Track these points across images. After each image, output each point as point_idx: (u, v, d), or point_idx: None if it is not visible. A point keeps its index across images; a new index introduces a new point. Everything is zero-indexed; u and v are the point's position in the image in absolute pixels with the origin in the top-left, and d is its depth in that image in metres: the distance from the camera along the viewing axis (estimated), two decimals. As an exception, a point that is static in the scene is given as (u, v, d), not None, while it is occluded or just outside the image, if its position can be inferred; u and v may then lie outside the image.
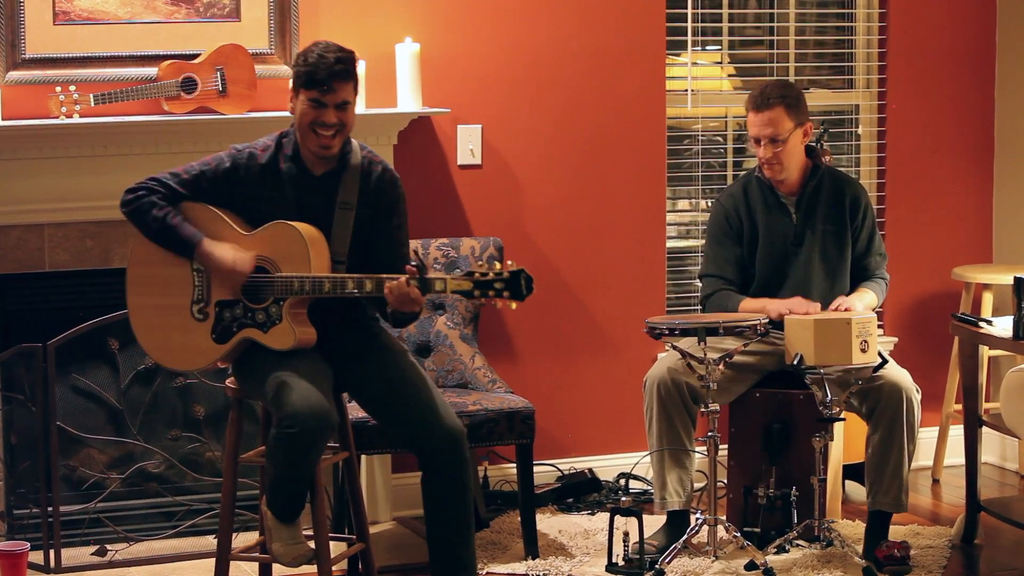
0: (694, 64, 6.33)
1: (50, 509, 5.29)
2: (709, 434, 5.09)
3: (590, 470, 6.10)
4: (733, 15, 6.42)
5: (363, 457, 5.57)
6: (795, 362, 5.13)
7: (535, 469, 5.47)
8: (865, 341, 5.11)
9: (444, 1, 5.89)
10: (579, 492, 6.03)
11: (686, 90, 6.30)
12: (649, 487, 5.94)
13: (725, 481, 5.50)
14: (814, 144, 5.56)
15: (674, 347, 5.15)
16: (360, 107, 5.18)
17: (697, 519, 5.18)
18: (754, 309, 5.35)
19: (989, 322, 5.43)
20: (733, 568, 5.17)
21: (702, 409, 5.14)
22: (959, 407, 5.85)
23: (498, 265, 4.44)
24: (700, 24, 6.27)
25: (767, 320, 5.17)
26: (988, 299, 6.20)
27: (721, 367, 5.11)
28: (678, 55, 6.31)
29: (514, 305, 4.42)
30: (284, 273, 4.52)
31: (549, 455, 6.11)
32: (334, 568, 4.65)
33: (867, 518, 5.36)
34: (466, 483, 4.59)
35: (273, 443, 4.42)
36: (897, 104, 6.47)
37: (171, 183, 4.58)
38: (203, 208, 4.59)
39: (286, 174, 4.61)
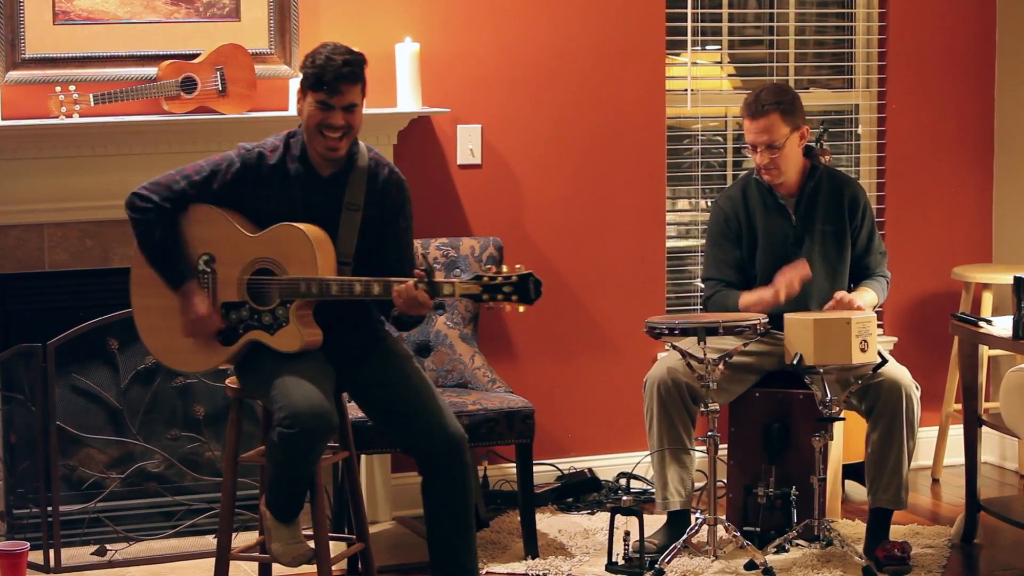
0: (694, 64, 6.33)
1: (50, 509, 5.29)
2: (709, 434, 5.10)
3: (590, 470, 6.10)
4: (733, 15, 6.42)
5: (363, 457, 5.57)
6: (795, 362, 5.13)
7: (535, 469, 5.47)
8: (865, 341, 5.11)
9: (444, 1, 5.89)
10: (579, 492, 6.02)
11: (686, 90, 6.30)
12: (649, 487, 5.94)
13: (725, 481, 5.50)
14: (813, 144, 5.56)
15: (674, 347, 5.15)
16: (360, 107, 5.18)
17: (697, 519, 5.18)
18: (753, 302, 5.35)
19: (989, 322, 5.43)
20: (733, 568, 5.17)
21: (702, 409, 5.14)
22: (959, 407, 5.85)
23: (506, 268, 4.43)
24: (700, 24, 6.27)
25: (766, 320, 5.17)
26: (988, 299, 6.20)
27: (721, 367, 5.11)
28: (678, 55, 6.32)
29: (522, 308, 4.43)
30: (291, 275, 4.51)
31: (549, 455, 6.11)
32: (333, 568, 4.65)
33: (868, 515, 5.37)
34: (467, 488, 4.59)
35: (273, 443, 4.42)
36: (897, 104, 6.47)
37: (182, 188, 4.55)
38: (209, 209, 4.58)
39: (294, 175, 4.60)
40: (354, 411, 5.03)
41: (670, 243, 6.33)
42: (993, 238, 6.60)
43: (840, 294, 5.34)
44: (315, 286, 4.49)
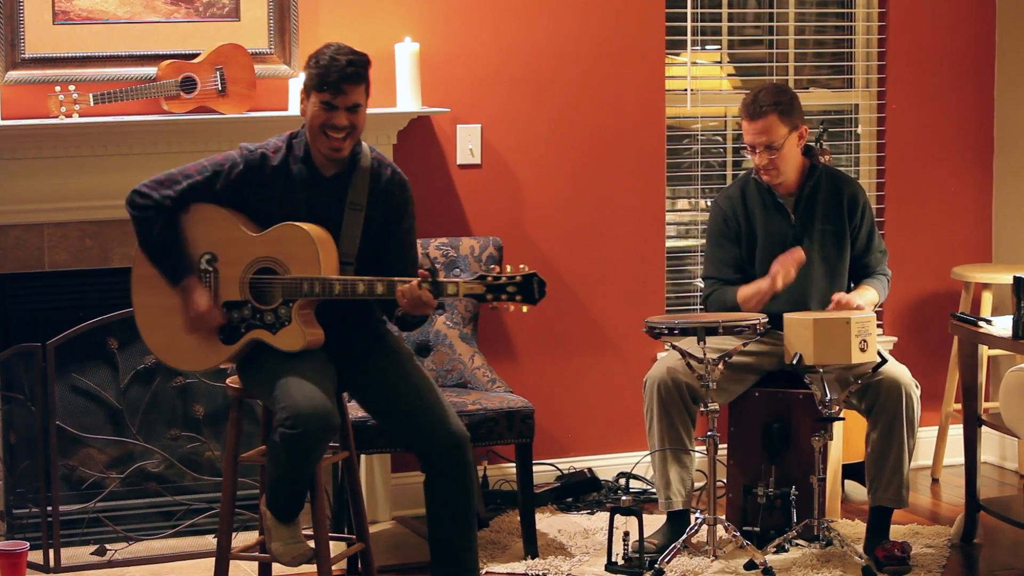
0: (694, 64, 6.33)
1: (49, 509, 5.29)
2: (708, 433, 5.09)
3: (589, 469, 6.09)
4: (733, 15, 6.42)
5: (362, 457, 5.57)
6: (794, 361, 5.13)
7: (534, 468, 5.47)
8: (864, 340, 5.10)
9: (444, 1, 5.89)
10: (578, 491, 6.02)
11: (686, 90, 6.30)
12: (648, 486, 5.94)
13: (725, 480, 5.50)
14: (812, 144, 5.56)
15: (674, 347, 5.15)
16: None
17: (697, 518, 5.18)
18: (751, 294, 5.35)
19: (988, 321, 5.43)
20: (732, 567, 5.17)
21: (702, 408, 5.14)
22: (958, 406, 5.85)
23: (509, 268, 4.43)
24: (700, 24, 6.27)
25: (766, 320, 5.17)
26: (987, 298, 6.20)
27: (720, 367, 5.11)
28: (678, 55, 6.32)
29: (525, 309, 4.43)
30: (293, 274, 4.51)
31: (548, 454, 6.11)
32: (333, 568, 4.65)
33: (868, 514, 5.37)
34: (469, 487, 4.59)
35: (275, 443, 4.42)
36: (897, 104, 6.47)
37: (183, 187, 4.54)
38: (212, 209, 4.57)
39: (297, 175, 4.59)
40: (354, 411, 5.03)
41: (670, 243, 6.33)
42: (993, 238, 6.60)
43: (838, 296, 5.34)
44: (318, 286, 4.48)
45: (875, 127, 6.50)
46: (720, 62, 6.47)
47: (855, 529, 5.59)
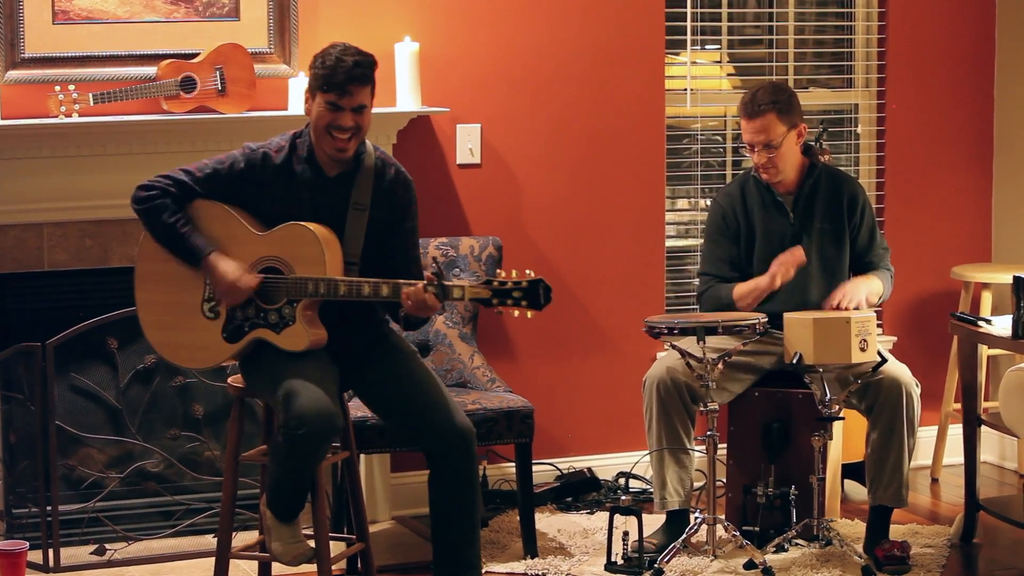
0: (693, 63, 6.33)
1: (49, 508, 5.29)
2: (708, 433, 5.09)
3: (589, 469, 6.10)
4: (732, 14, 6.42)
5: (362, 456, 5.57)
6: (794, 361, 5.13)
7: (534, 468, 5.47)
8: (864, 340, 5.11)
9: (443, 0, 5.89)
10: (578, 491, 6.02)
11: (685, 89, 6.30)
12: (648, 486, 5.94)
13: (724, 480, 5.50)
14: (812, 143, 5.56)
15: (673, 346, 5.15)
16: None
17: (696, 518, 5.18)
18: (747, 291, 5.35)
19: (988, 321, 5.44)
20: (732, 567, 5.17)
21: (701, 408, 5.14)
22: (958, 406, 5.85)
23: (515, 273, 4.43)
24: (699, 23, 6.27)
25: (766, 319, 5.17)
26: (987, 298, 6.20)
27: (720, 366, 5.11)
28: (677, 54, 6.32)
29: (530, 314, 4.42)
30: (298, 274, 4.51)
31: (548, 454, 6.11)
32: (333, 567, 4.65)
33: (868, 513, 5.37)
34: (474, 482, 4.59)
35: (278, 444, 4.41)
36: (896, 103, 6.47)
37: (185, 181, 4.55)
38: (217, 207, 4.57)
39: (300, 175, 4.59)
40: (354, 410, 5.03)
41: (669, 242, 6.33)
42: (992, 238, 6.60)
43: (839, 292, 5.32)
44: (323, 286, 4.48)
45: (875, 127, 6.50)
46: (720, 62, 6.47)
47: (855, 529, 5.59)
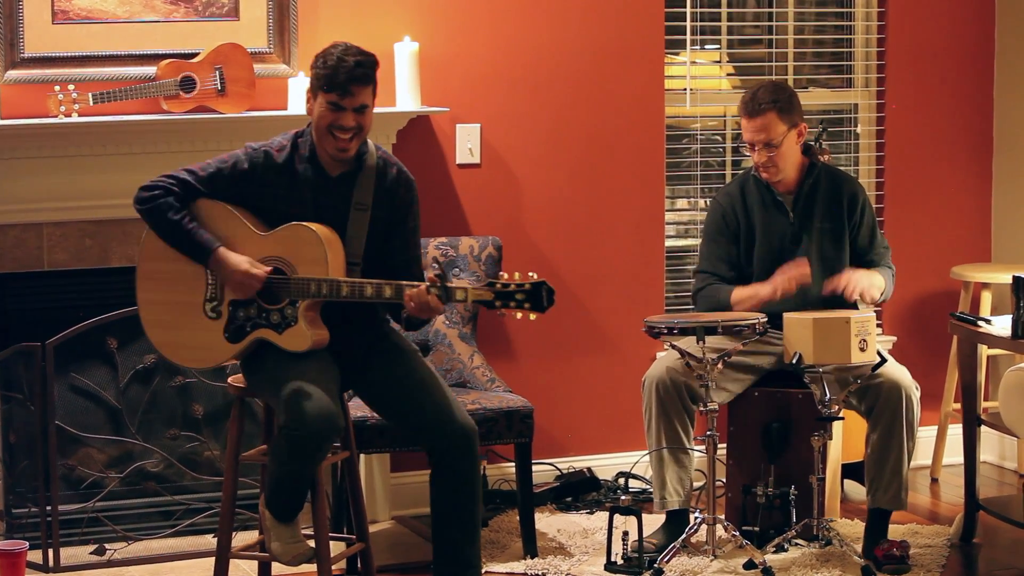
0: (693, 63, 6.33)
1: (49, 508, 5.29)
2: (708, 433, 5.09)
3: (589, 469, 6.10)
4: (732, 14, 6.42)
5: (362, 456, 5.57)
6: (794, 361, 5.13)
7: (534, 468, 5.47)
8: (864, 340, 5.11)
9: (443, 0, 5.89)
10: (578, 491, 6.02)
11: (685, 89, 6.30)
12: (648, 486, 5.94)
13: (724, 480, 5.50)
14: (812, 143, 5.56)
15: (673, 346, 5.15)
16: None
17: (696, 518, 5.18)
18: (746, 296, 5.35)
19: (988, 321, 5.44)
20: (732, 567, 5.17)
21: (701, 408, 5.14)
22: (958, 406, 5.85)
23: (518, 275, 4.42)
24: (699, 23, 6.27)
25: (765, 319, 5.17)
26: (987, 298, 6.20)
27: (720, 366, 5.11)
28: (677, 54, 6.32)
29: (533, 316, 4.42)
30: (301, 275, 4.50)
31: (548, 454, 6.11)
32: (333, 567, 4.65)
33: (867, 516, 5.37)
34: (476, 481, 4.59)
35: (279, 444, 4.42)
36: (896, 103, 6.47)
37: (188, 180, 4.54)
38: (219, 206, 4.56)
39: (302, 175, 4.58)
40: (354, 410, 5.03)
41: (669, 242, 6.33)
42: (992, 237, 6.60)
43: (838, 283, 5.30)
44: (326, 287, 4.48)
45: (874, 127, 6.50)
46: (719, 62, 6.47)
47: (854, 529, 5.59)
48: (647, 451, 5.34)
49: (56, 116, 5.35)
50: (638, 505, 5.35)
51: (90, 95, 5.36)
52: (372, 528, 5.47)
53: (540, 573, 5.21)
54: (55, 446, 5.33)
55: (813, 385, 5.17)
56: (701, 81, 6.39)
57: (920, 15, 6.44)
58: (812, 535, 5.25)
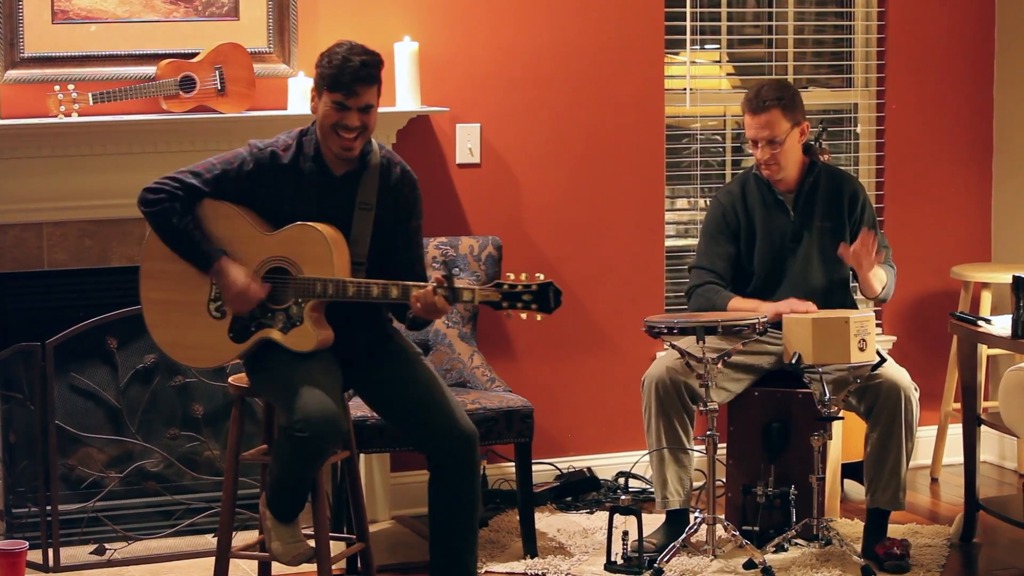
0: (693, 63, 6.33)
1: (49, 508, 5.29)
2: (708, 433, 5.09)
3: (589, 469, 6.10)
4: (732, 14, 6.42)
5: (362, 456, 5.56)
6: (793, 361, 5.13)
7: (534, 468, 5.46)
8: (863, 340, 5.11)
9: (443, 0, 5.89)
10: (578, 491, 6.02)
11: (685, 89, 6.30)
12: (647, 486, 5.94)
13: (724, 480, 5.50)
14: (812, 142, 5.57)
15: (672, 346, 5.15)
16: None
17: (696, 518, 5.18)
18: (746, 309, 5.35)
19: (988, 321, 5.44)
20: (732, 567, 5.17)
21: (700, 408, 5.14)
22: (958, 406, 5.85)
23: (524, 276, 4.42)
24: (699, 23, 6.27)
25: (766, 319, 5.17)
26: (987, 298, 6.20)
27: (719, 366, 5.11)
28: (677, 54, 6.32)
29: (539, 317, 4.42)
30: (307, 275, 4.50)
31: (548, 454, 6.11)
32: (333, 567, 4.65)
33: (865, 516, 5.37)
34: (475, 486, 4.58)
35: (282, 445, 4.41)
36: (896, 103, 6.47)
37: (193, 184, 4.52)
38: (225, 206, 4.55)
39: (307, 174, 4.57)
40: (354, 410, 5.03)
41: (669, 242, 6.33)
42: (992, 237, 6.60)
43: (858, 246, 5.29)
44: (331, 287, 4.47)
45: (874, 127, 6.50)
46: (719, 61, 6.47)
47: (854, 528, 5.59)
48: (647, 451, 5.34)
49: (56, 116, 5.35)
50: (638, 505, 5.35)
51: (90, 95, 5.36)
52: (372, 528, 5.47)
53: (540, 573, 5.21)
54: (55, 446, 5.33)
55: (813, 385, 5.17)
56: (701, 81, 6.39)
57: (920, 15, 6.44)
58: (812, 535, 5.25)
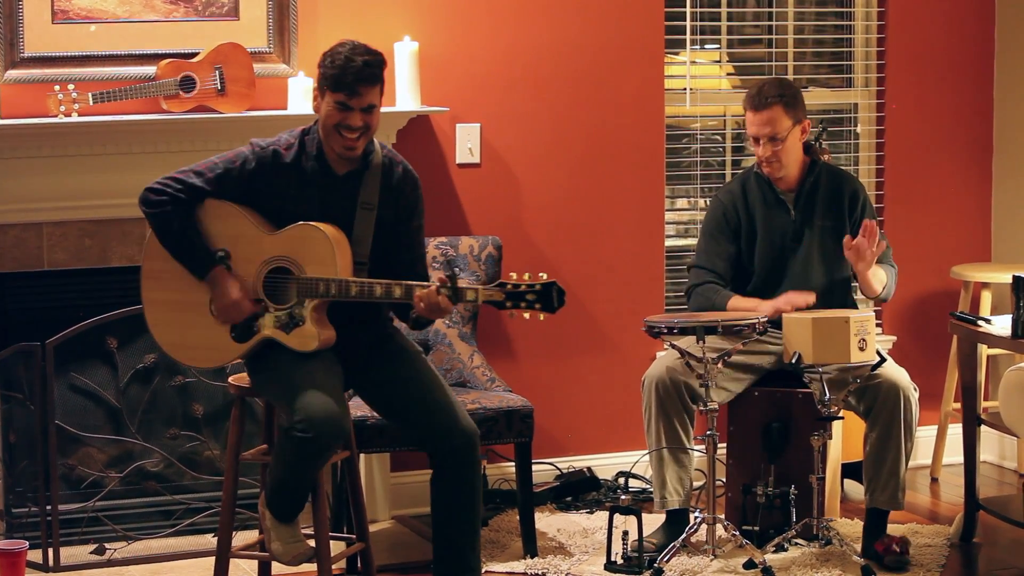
0: (693, 63, 6.34)
1: (49, 508, 5.29)
2: (708, 433, 5.09)
3: (589, 468, 6.09)
4: (732, 14, 6.42)
5: (362, 456, 5.56)
6: (793, 360, 5.13)
7: (534, 468, 5.46)
8: (863, 340, 5.11)
9: (443, 0, 5.89)
10: (578, 491, 6.02)
11: (685, 89, 6.30)
12: (647, 486, 5.94)
13: (724, 480, 5.50)
14: (813, 142, 5.57)
15: (672, 346, 5.15)
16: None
17: (696, 518, 5.17)
18: (746, 308, 5.35)
19: (988, 321, 5.44)
20: (732, 567, 5.17)
21: (700, 408, 5.14)
22: (958, 406, 5.85)
23: (527, 275, 4.42)
24: (699, 23, 6.27)
25: (766, 319, 5.17)
26: (987, 298, 6.20)
27: (720, 366, 5.11)
28: (677, 54, 6.32)
29: (543, 317, 4.42)
30: (309, 275, 4.49)
31: (548, 454, 6.11)
32: (333, 567, 4.65)
33: (864, 516, 5.37)
34: (477, 485, 4.58)
35: (285, 446, 4.41)
36: (896, 103, 6.47)
37: (196, 185, 4.51)
38: (227, 206, 4.55)
39: (310, 173, 4.57)
40: (354, 410, 5.03)
41: (669, 242, 6.33)
42: (992, 237, 6.60)
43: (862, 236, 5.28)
44: (334, 287, 4.47)
45: (874, 126, 6.50)
46: (719, 61, 6.47)
47: (854, 528, 5.58)
48: (647, 451, 5.34)
49: (56, 116, 5.35)
50: (638, 505, 5.35)
51: (90, 95, 5.36)
52: (372, 528, 5.47)
53: (540, 573, 5.21)
54: (55, 446, 5.33)
55: (813, 385, 5.17)
56: (701, 81, 6.39)
57: (920, 15, 6.44)
58: (812, 535, 5.25)
